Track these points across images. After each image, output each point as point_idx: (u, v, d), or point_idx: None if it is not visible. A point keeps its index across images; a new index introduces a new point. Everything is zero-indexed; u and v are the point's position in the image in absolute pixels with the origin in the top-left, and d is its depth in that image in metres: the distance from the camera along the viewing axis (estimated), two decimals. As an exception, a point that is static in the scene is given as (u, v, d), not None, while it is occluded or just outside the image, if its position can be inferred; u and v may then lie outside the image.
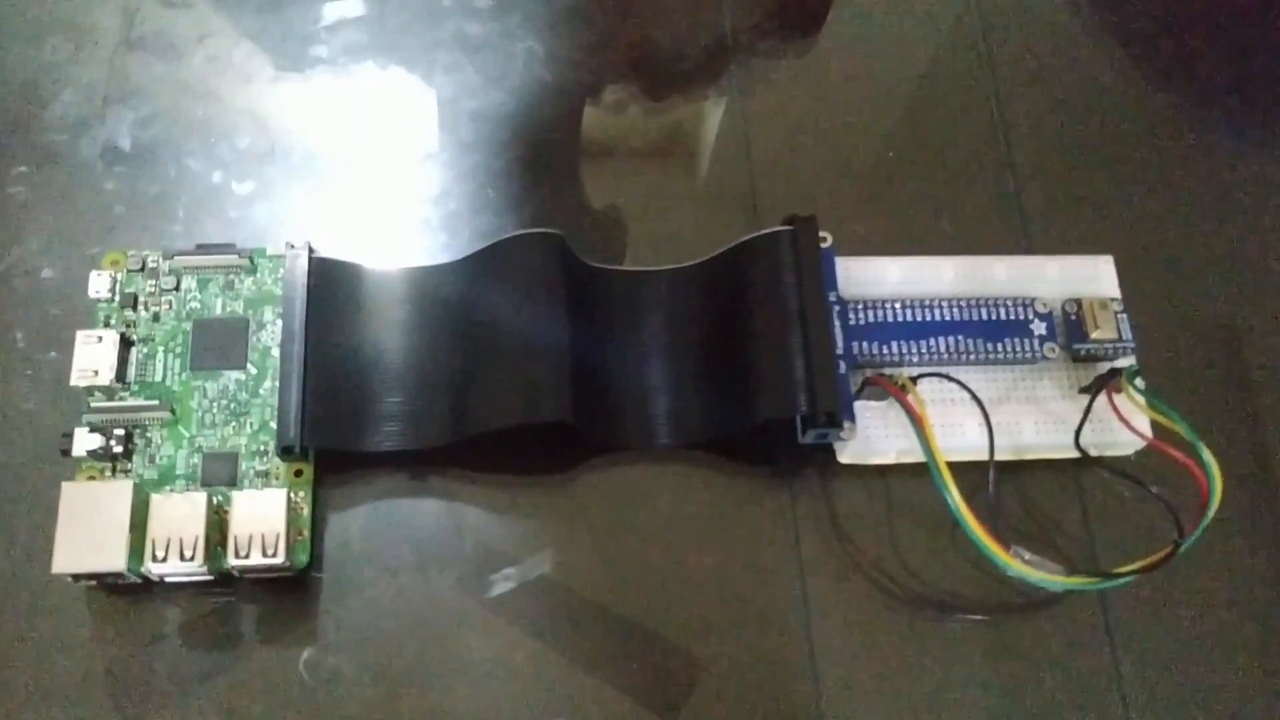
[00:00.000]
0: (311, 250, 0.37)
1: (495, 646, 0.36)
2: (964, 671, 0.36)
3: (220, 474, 0.36)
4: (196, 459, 0.36)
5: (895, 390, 0.36)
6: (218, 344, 0.37)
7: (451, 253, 0.39)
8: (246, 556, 0.33)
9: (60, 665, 0.34)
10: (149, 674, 0.35)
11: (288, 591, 0.36)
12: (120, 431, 0.36)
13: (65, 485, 0.34)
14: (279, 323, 0.37)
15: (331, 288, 0.37)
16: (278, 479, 0.36)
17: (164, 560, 0.33)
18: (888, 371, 0.38)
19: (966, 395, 0.37)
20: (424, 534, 0.37)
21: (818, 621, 0.37)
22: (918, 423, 0.34)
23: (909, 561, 0.38)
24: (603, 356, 0.38)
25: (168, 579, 0.34)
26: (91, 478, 0.36)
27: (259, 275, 0.38)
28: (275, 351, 0.37)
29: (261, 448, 0.36)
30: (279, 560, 0.33)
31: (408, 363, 0.37)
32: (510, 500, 0.37)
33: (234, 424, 0.36)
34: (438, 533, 0.37)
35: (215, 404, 0.37)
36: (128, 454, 0.36)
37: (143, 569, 0.33)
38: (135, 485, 0.34)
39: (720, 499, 0.38)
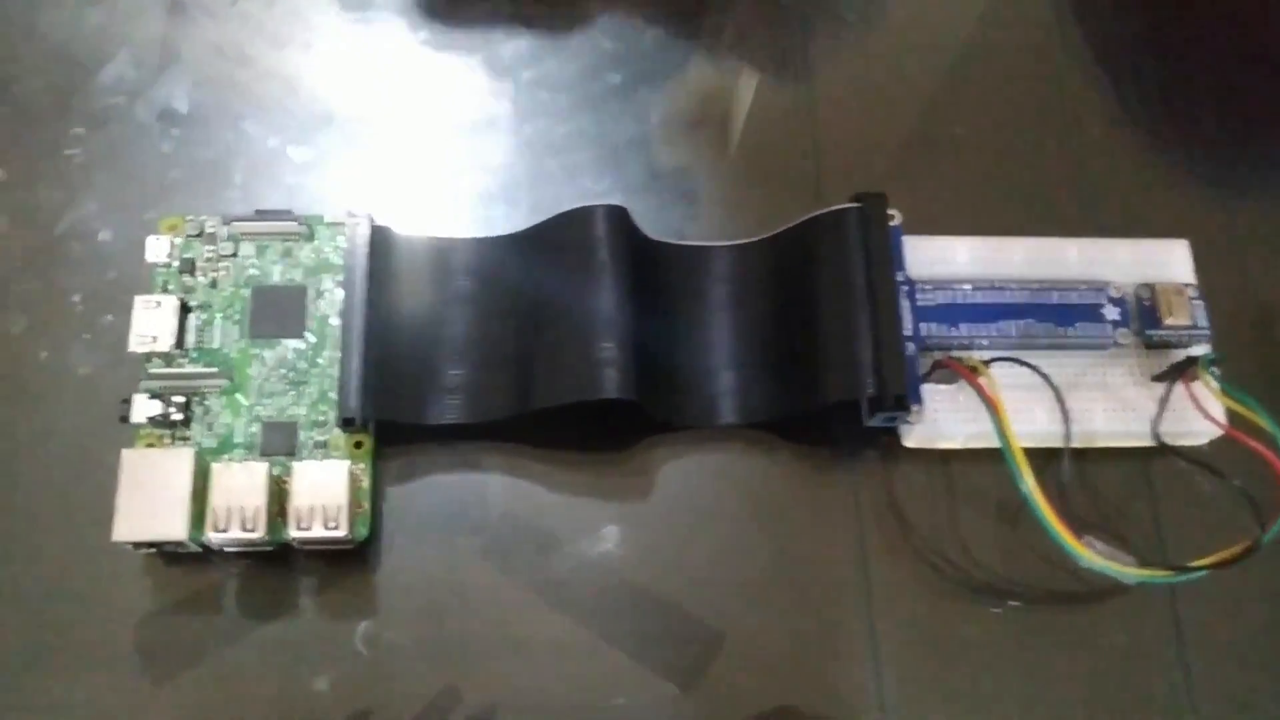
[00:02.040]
0: (371, 218, 0.36)
1: (554, 625, 0.35)
2: (1026, 661, 0.36)
3: (279, 444, 0.35)
4: (255, 428, 0.36)
5: (968, 374, 0.35)
6: (276, 312, 0.37)
7: (511, 223, 0.39)
8: (308, 529, 0.33)
9: (118, 633, 0.34)
10: (206, 644, 0.34)
11: (345, 563, 0.35)
12: (179, 399, 0.35)
13: (125, 452, 0.33)
14: (338, 291, 0.37)
15: (392, 257, 0.37)
16: (337, 450, 0.35)
17: (225, 531, 0.33)
18: (956, 354, 0.37)
19: (1035, 380, 0.36)
20: (483, 509, 0.36)
21: (879, 606, 0.36)
22: (993, 407, 0.34)
23: (972, 548, 0.37)
24: (666, 332, 0.37)
25: (226, 549, 0.34)
26: (150, 445, 0.35)
27: (317, 242, 0.38)
28: (334, 320, 0.37)
29: (320, 418, 0.36)
30: (341, 533, 0.33)
31: (469, 335, 0.36)
32: (570, 477, 0.37)
33: (292, 393, 0.36)
34: (497, 508, 0.36)
35: (274, 373, 0.36)
36: (186, 421, 0.35)
37: (203, 538, 0.33)
38: (195, 453, 0.33)
39: (781, 480, 0.37)
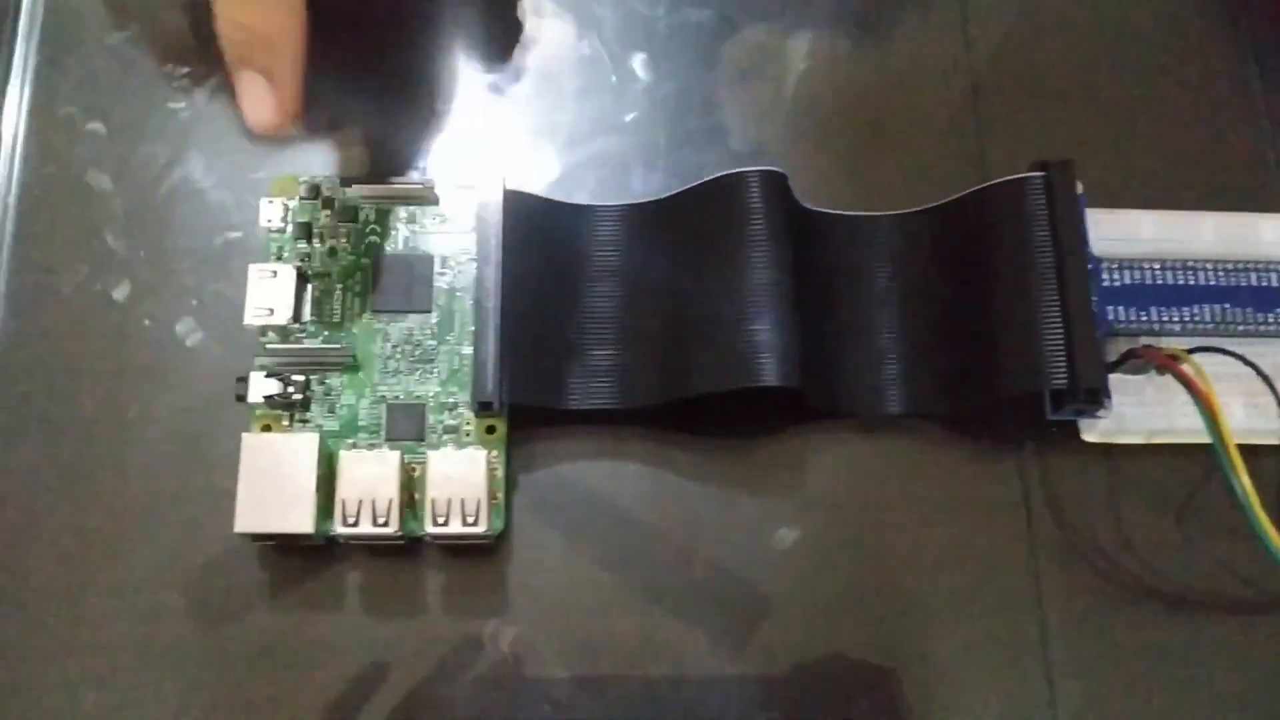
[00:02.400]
0: (505, 181, 0.33)
1: (699, 628, 0.32)
2: (1209, 676, 0.33)
3: (405, 427, 0.33)
4: (379, 410, 0.33)
5: (1171, 364, 0.31)
6: (400, 283, 0.34)
7: (649, 188, 0.35)
8: (444, 523, 0.30)
9: (236, 629, 0.32)
10: (329, 641, 0.32)
11: (475, 558, 0.33)
12: (299, 377, 0.32)
13: (246, 437, 0.31)
14: (469, 262, 0.34)
15: (527, 224, 0.33)
16: (469, 436, 0.32)
17: (355, 525, 0.30)
18: (1144, 341, 0.33)
19: (1229, 371, 0.33)
20: (620, 501, 0.33)
21: (1052, 610, 0.33)
22: (1204, 401, 0.30)
23: (1149, 550, 0.34)
24: (826, 312, 0.34)
25: (352, 541, 0.31)
26: (267, 426, 0.32)
27: (444, 208, 0.34)
28: (463, 294, 0.33)
29: (450, 400, 0.33)
30: (480, 529, 0.30)
31: (615, 312, 0.33)
32: (714, 467, 0.34)
33: (419, 373, 0.33)
34: (635, 499, 0.33)
35: (399, 350, 0.33)
36: (305, 402, 0.32)
37: (330, 531, 0.30)
38: (321, 438, 0.31)
39: (946, 473, 0.34)
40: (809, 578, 0.33)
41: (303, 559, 0.32)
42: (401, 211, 0.34)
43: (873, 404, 0.34)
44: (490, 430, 0.33)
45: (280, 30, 0.28)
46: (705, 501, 0.33)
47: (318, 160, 0.36)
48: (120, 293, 0.34)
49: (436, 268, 0.34)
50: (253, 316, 0.32)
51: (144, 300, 0.34)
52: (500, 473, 0.32)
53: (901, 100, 0.38)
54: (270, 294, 0.32)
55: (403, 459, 0.31)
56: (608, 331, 0.33)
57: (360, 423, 0.33)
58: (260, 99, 0.29)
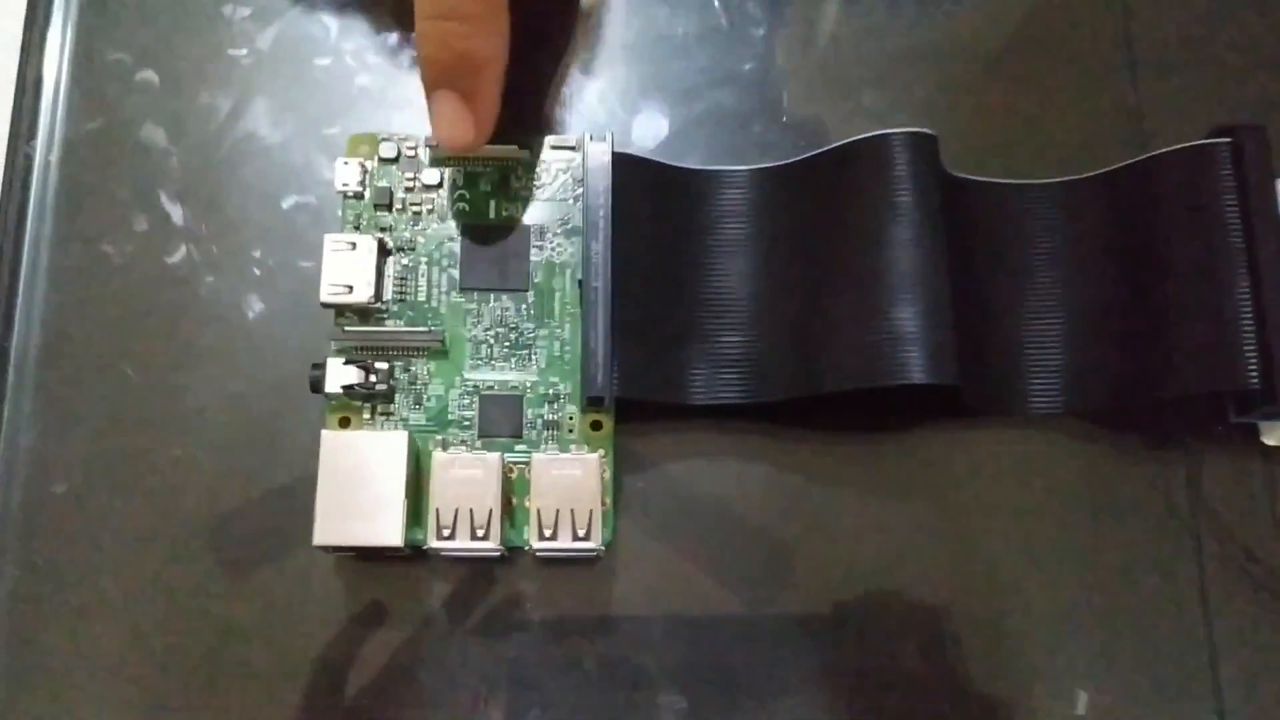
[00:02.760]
0: (613, 139, 0.29)
1: (819, 652, 0.29)
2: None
3: (500, 422, 0.29)
4: (471, 402, 0.29)
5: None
6: (493, 257, 0.30)
7: (771, 150, 0.31)
8: (551, 536, 0.26)
9: (313, 646, 0.28)
10: (415, 661, 0.28)
11: (574, 569, 0.29)
12: (382, 365, 0.28)
13: (326, 435, 0.27)
14: (571, 234, 0.30)
15: (639, 192, 0.29)
16: (571, 433, 0.29)
17: (450, 538, 0.26)
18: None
19: None
20: (738, 506, 0.30)
21: (1222, 634, 0.29)
22: None
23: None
24: (972, 294, 0.29)
25: (444, 554, 0.27)
26: (345, 420, 0.29)
27: (542, 172, 0.30)
28: (564, 270, 0.29)
29: (550, 391, 0.29)
30: (592, 544, 0.26)
31: (742, 292, 0.29)
32: (841, 467, 0.30)
33: (515, 359, 0.29)
34: (755, 505, 0.30)
35: (492, 334, 0.29)
36: (389, 393, 0.28)
37: (424, 545, 0.26)
38: (409, 437, 0.27)
39: (1101, 475, 0.30)
40: (930, 595, 0.29)
41: (385, 569, 0.29)
42: (494, 175, 0.30)
43: (1023, 400, 0.30)
44: (596, 426, 0.29)
45: (490, 56, 0.27)
46: (828, 504, 0.30)
47: (400, 116, 0.32)
48: (176, 261, 0.30)
49: (533, 240, 0.30)
50: (329, 294, 0.28)
51: (203, 272, 0.31)
52: (608, 475, 0.28)
53: (1053, 52, 0.33)
54: (348, 268, 0.29)
55: (503, 462, 0.27)
56: (735, 315, 0.29)
57: (450, 416, 0.29)
58: (458, 120, 0.27)
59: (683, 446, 0.30)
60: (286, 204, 0.31)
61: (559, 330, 0.29)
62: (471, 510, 0.26)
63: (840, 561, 0.29)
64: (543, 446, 0.29)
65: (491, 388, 0.29)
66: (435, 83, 0.27)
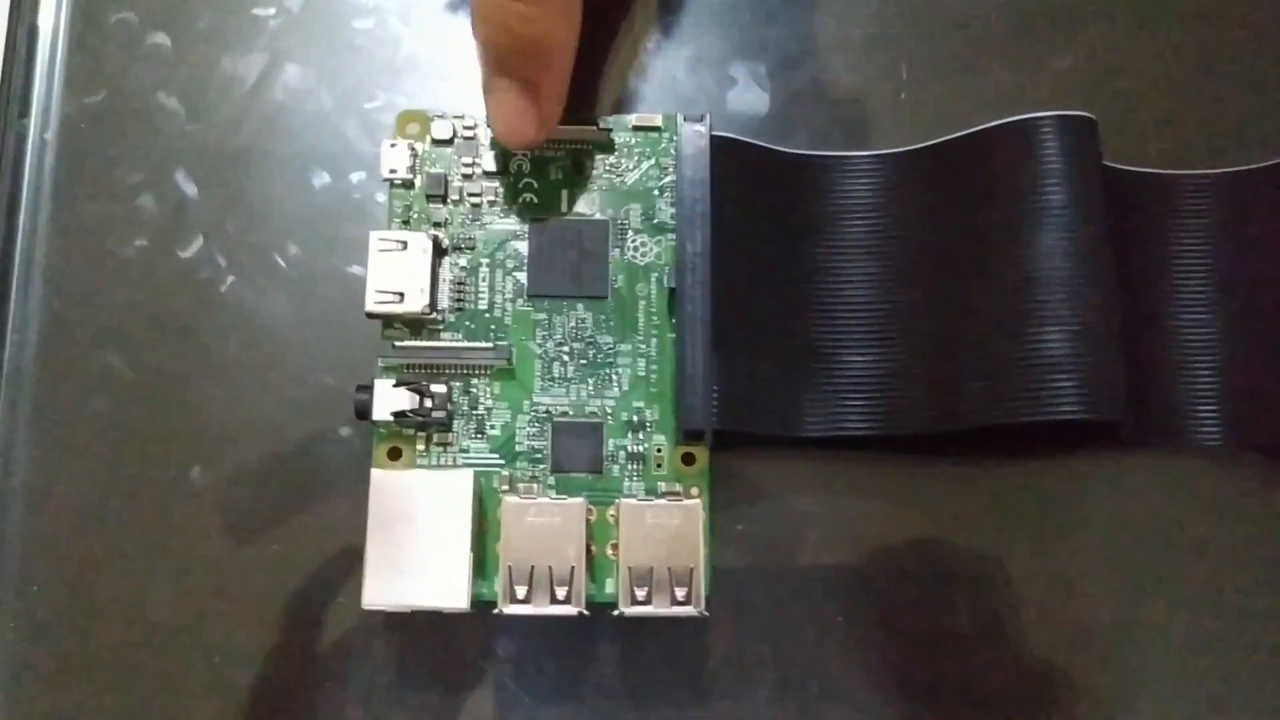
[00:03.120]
0: (712, 121, 0.24)
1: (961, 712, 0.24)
2: None
3: (576, 455, 0.24)
4: (542, 431, 0.24)
5: None
6: (566, 259, 0.25)
7: (891, 133, 0.26)
8: (646, 600, 0.22)
9: (361, 713, 0.24)
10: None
11: (663, 627, 0.24)
12: (439, 387, 0.24)
13: (376, 475, 0.23)
14: (658, 231, 0.25)
15: (744, 181, 0.25)
16: (660, 467, 0.24)
17: (526, 600, 0.22)
18: None
19: None
20: (857, 551, 0.25)
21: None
22: None
23: None
24: (1142, 309, 0.25)
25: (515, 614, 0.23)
26: (394, 450, 0.24)
27: (622, 157, 0.26)
28: (653, 275, 0.25)
29: (635, 418, 0.24)
30: (693, 609, 0.22)
31: (868, 303, 0.25)
32: (964, 505, 0.25)
33: (593, 381, 0.25)
34: (868, 545, 0.25)
35: (565, 349, 0.25)
36: (447, 420, 0.24)
37: (493, 605, 0.22)
38: (475, 478, 0.22)
39: (1268, 512, 0.26)
40: (1076, 645, 0.25)
41: (443, 624, 0.24)
42: (565, 161, 0.26)
43: (1188, 431, 0.25)
44: (689, 460, 0.25)
45: (559, 43, 0.23)
46: (953, 545, 0.25)
47: (455, 89, 0.27)
48: (192, 256, 0.26)
49: (613, 238, 0.25)
50: (377, 302, 0.24)
51: (225, 270, 0.26)
52: (705, 519, 0.24)
53: (1224, 13, 0.28)
54: (398, 272, 0.24)
55: (587, 508, 0.23)
56: (859, 330, 0.25)
57: (517, 447, 0.24)
58: (520, 112, 0.23)
59: (786, 478, 0.26)
60: (322, 192, 0.27)
61: (644, 345, 0.25)
62: (551, 567, 0.22)
63: (980, 626, 0.25)
64: (626, 484, 0.24)
65: (566, 414, 0.25)
66: (494, 71, 0.23)
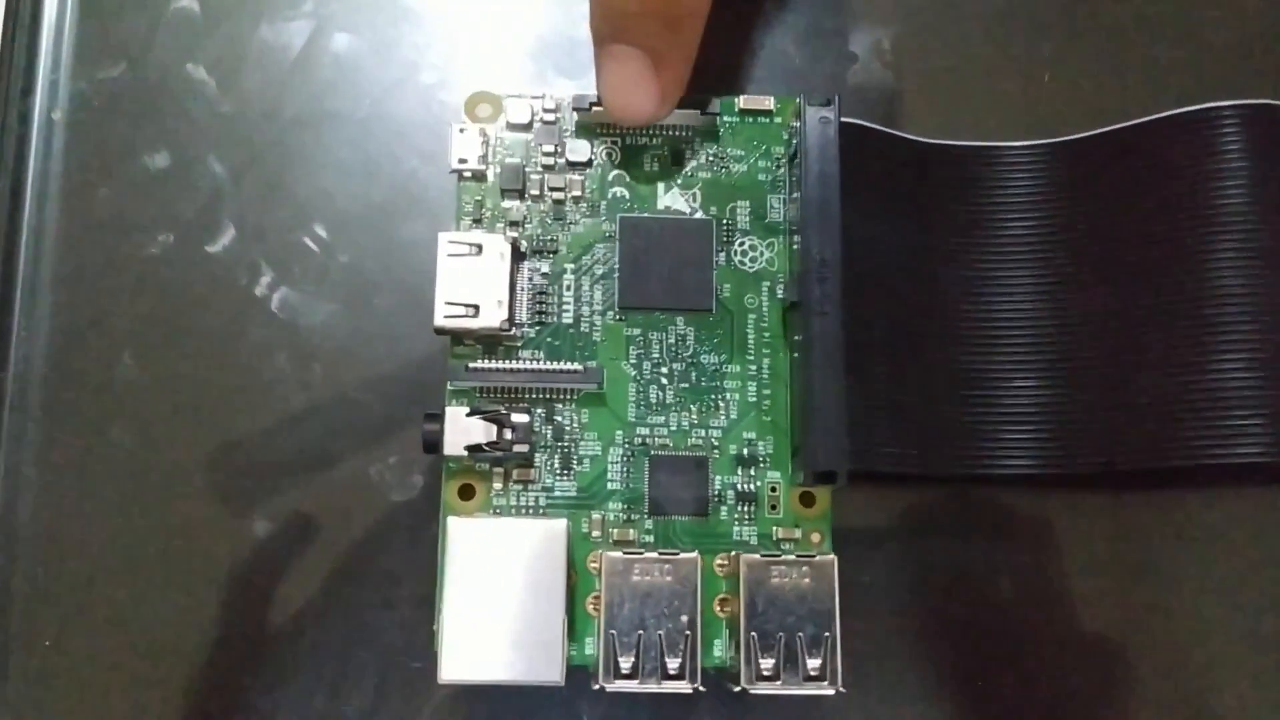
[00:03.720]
0: (839, 106, 0.21)
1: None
2: None
3: (677, 495, 0.21)
4: (638, 466, 0.21)
5: None
6: (664, 265, 0.22)
7: (1033, 121, 0.23)
8: (773, 675, 0.19)
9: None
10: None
11: (786, 703, 0.21)
12: (521, 418, 0.20)
13: (454, 525, 0.19)
14: (770, 233, 0.22)
15: (878, 175, 0.21)
16: (775, 509, 0.21)
17: (631, 674, 0.18)
18: None
19: None
20: (995, 598, 0.22)
21: None
22: None
23: None
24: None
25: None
26: (467, 488, 0.21)
27: (728, 143, 0.22)
28: (764, 284, 0.21)
29: (744, 451, 0.21)
30: (829, 687, 0.19)
31: (1028, 319, 0.21)
32: (1132, 545, 0.22)
33: (696, 407, 0.21)
34: (1014, 596, 0.22)
35: (663, 371, 0.21)
36: (528, 454, 0.20)
37: (595, 682, 0.19)
38: (568, 527, 0.19)
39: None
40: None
41: (525, 700, 0.21)
42: (663, 150, 0.22)
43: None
44: (808, 501, 0.21)
45: (695, 7, 0.20)
46: (1120, 594, 0.22)
47: (533, 64, 0.23)
48: (219, 243, 0.22)
49: (718, 240, 0.22)
50: (448, 316, 0.20)
51: (260, 267, 0.22)
52: (834, 573, 0.20)
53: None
54: (471, 280, 0.20)
55: (703, 562, 0.19)
56: (1019, 351, 0.21)
57: (610, 485, 0.21)
58: (639, 82, 0.20)
59: (915, 514, 0.22)
60: (377, 183, 0.23)
61: (754, 366, 0.21)
62: (661, 636, 0.19)
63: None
64: (736, 529, 0.21)
65: (665, 446, 0.21)
66: (613, 35, 0.20)
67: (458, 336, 0.21)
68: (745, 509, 0.21)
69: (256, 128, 0.23)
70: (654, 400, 0.21)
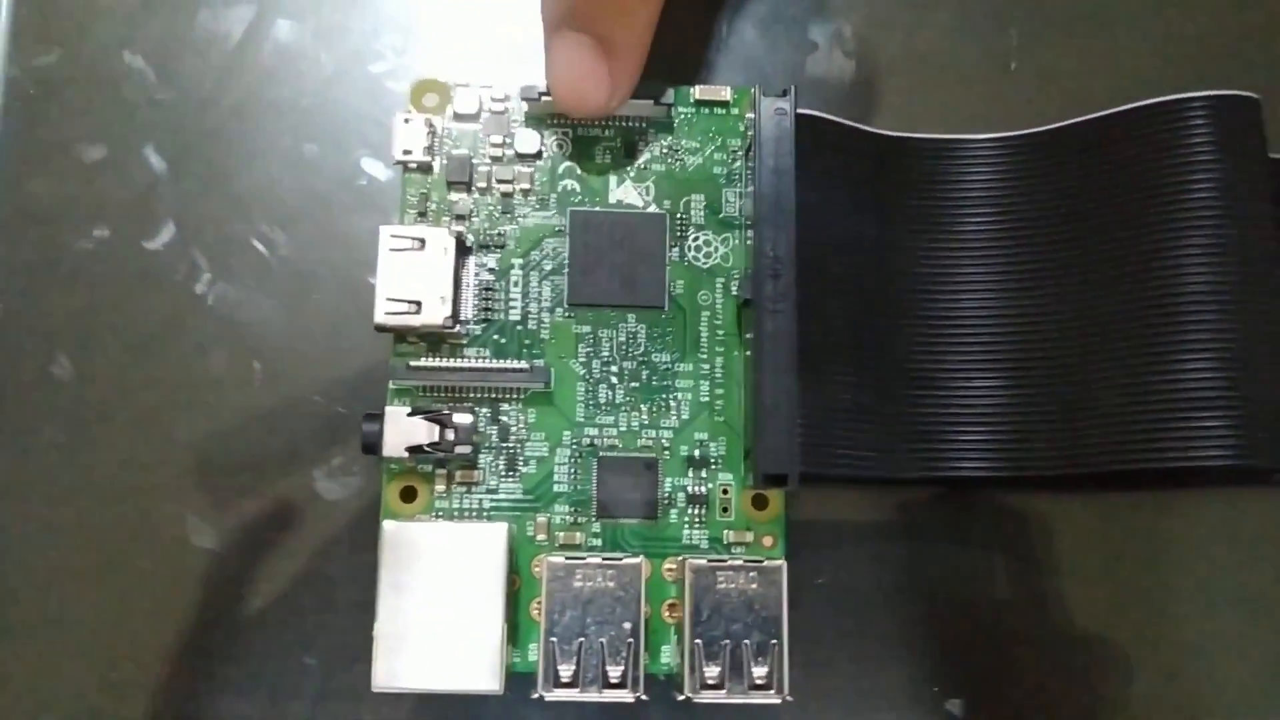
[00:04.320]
0: (795, 96, 0.20)
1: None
2: None
3: (625, 496, 0.20)
4: (586, 467, 0.20)
5: None
6: (615, 260, 0.21)
7: (998, 112, 0.22)
8: (718, 684, 0.18)
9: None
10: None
11: (732, 711, 0.20)
12: (464, 419, 0.20)
13: (388, 528, 0.18)
14: (725, 228, 0.21)
15: (834, 168, 0.21)
16: (727, 511, 0.20)
17: (571, 683, 0.18)
18: None
19: None
20: (954, 602, 0.21)
21: None
22: None
23: None
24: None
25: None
26: (408, 490, 0.20)
27: (683, 135, 0.21)
28: (719, 280, 0.21)
29: (696, 452, 0.20)
30: (775, 696, 0.18)
31: (987, 318, 0.21)
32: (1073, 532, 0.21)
33: (647, 407, 0.20)
34: (975, 599, 0.21)
35: (613, 370, 0.21)
36: (471, 455, 0.20)
37: (534, 691, 0.18)
38: (509, 531, 0.18)
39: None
40: None
41: (466, 707, 0.20)
42: (615, 142, 0.21)
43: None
44: (760, 503, 0.20)
45: None
46: (1091, 600, 0.21)
47: (482, 53, 0.22)
48: (161, 248, 0.22)
49: (670, 236, 0.21)
50: (389, 313, 0.19)
51: (199, 262, 0.22)
52: (784, 579, 0.20)
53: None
54: (414, 276, 0.20)
55: (646, 565, 0.19)
56: (978, 349, 0.21)
57: (556, 487, 0.20)
58: (589, 71, 0.19)
59: (872, 515, 0.21)
60: (319, 175, 0.22)
61: (707, 365, 0.21)
62: (603, 644, 0.18)
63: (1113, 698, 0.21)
64: (686, 532, 0.20)
65: (614, 447, 0.20)
66: (562, 21, 0.19)
67: (400, 334, 0.21)
68: (696, 512, 0.21)
69: (195, 117, 0.22)
70: (603, 400, 0.21)
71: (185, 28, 0.22)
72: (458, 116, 0.21)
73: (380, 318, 0.20)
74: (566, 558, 0.19)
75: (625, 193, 0.22)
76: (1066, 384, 0.20)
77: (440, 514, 0.20)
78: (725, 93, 0.22)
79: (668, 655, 0.20)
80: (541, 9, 0.19)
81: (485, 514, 0.20)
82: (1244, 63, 0.23)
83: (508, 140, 0.21)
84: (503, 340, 0.21)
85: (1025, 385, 0.20)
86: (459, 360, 0.20)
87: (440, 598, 0.18)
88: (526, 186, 0.21)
